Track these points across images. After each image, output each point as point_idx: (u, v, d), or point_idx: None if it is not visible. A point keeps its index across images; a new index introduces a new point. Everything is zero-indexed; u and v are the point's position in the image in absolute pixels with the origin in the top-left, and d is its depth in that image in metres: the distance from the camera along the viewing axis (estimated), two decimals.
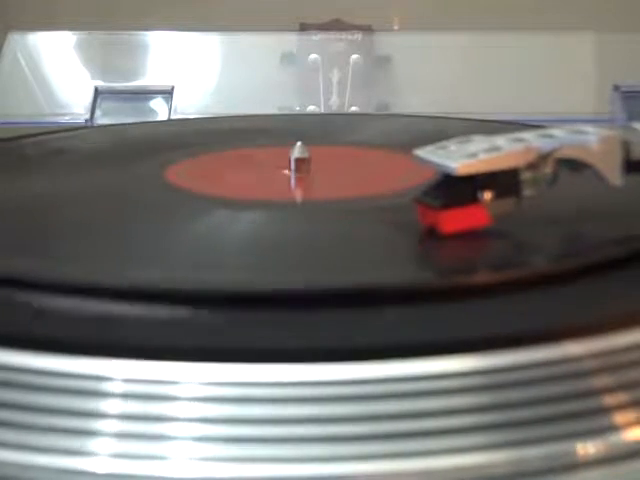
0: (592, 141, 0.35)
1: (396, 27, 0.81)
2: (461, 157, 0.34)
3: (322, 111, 0.74)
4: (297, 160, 0.46)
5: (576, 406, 0.27)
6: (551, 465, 0.26)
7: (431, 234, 0.35)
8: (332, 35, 0.77)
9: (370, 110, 0.74)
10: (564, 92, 0.73)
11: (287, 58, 0.76)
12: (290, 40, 0.76)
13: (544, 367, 0.28)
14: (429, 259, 0.36)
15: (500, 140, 0.35)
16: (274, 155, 0.48)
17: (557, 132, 0.36)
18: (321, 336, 0.28)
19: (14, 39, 0.76)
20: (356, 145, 0.54)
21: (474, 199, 0.35)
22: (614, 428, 0.27)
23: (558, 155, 0.35)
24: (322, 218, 0.40)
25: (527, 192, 0.35)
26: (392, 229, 0.37)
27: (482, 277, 0.33)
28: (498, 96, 0.72)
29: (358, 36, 0.76)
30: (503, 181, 0.35)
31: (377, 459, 0.26)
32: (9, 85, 0.75)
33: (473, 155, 0.34)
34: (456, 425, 0.26)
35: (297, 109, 0.74)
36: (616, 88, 0.72)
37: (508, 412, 0.27)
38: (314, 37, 0.77)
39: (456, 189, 0.35)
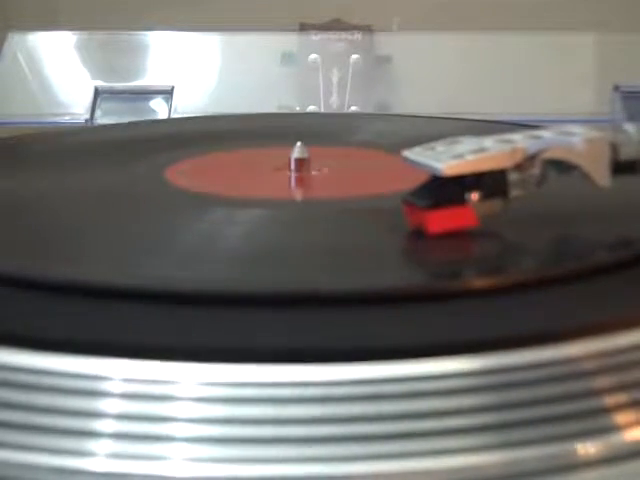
0: (578, 142, 0.35)
1: (396, 27, 0.81)
2: (448, 158, 0.34)
3: (322, 111, 0.74)
4: (297, 160, 0.46)
5: (576, 406, 0.27)
6: (551, 465, 0.26)
7: (419, 235, 0.35)
8: (332, 35, 0.77)
9: (370, 110, 0.74)
10: (564, 92, 0.73)
11: (287, 58, 0.76)
12: (290, 40, 0.76)
13: (544, 367, 0.28)
14: (429, 260, 0.36)
15: (487, 141, 0.35)
16: (274, 155, 0.48)
17: (544, 133, 0.36)
18: (321, 337, 0.28)
19: (14, 39, 0.76)
20: (355, 145, 0.54)
21: (461, 200, 0.35)
22: (614, 428, 0.27)
23: (545, 156, 0.35)
24: (322, 218, 0.40)
25: (515, 193, 0.35)
26: (391, 230, 0.37)
27: (482, 278, 0.33)
28: (498, 96, 0.72)
29: (358, 36, 0.76)
30: (490, 182, 0.35)
31: (375, 459, 0.26)
32: (9, 85, 0.75)
33: (460, 156, 0.34)
34: (456, 425, 0.26)
35: (297, 109, 0.74)
36: (616, 88, 0.72)
37: (508, 412, 0.27)
38: (314, 37, 0.77)
39: (443, 190, 0.35)
